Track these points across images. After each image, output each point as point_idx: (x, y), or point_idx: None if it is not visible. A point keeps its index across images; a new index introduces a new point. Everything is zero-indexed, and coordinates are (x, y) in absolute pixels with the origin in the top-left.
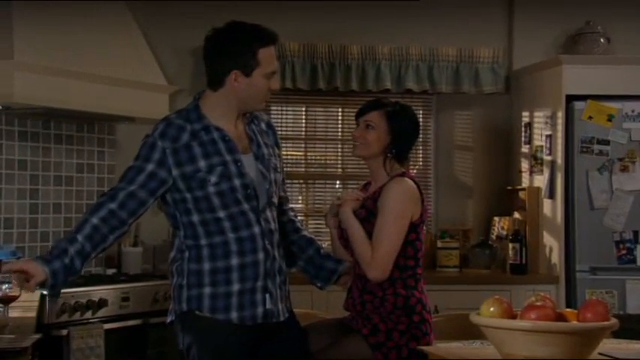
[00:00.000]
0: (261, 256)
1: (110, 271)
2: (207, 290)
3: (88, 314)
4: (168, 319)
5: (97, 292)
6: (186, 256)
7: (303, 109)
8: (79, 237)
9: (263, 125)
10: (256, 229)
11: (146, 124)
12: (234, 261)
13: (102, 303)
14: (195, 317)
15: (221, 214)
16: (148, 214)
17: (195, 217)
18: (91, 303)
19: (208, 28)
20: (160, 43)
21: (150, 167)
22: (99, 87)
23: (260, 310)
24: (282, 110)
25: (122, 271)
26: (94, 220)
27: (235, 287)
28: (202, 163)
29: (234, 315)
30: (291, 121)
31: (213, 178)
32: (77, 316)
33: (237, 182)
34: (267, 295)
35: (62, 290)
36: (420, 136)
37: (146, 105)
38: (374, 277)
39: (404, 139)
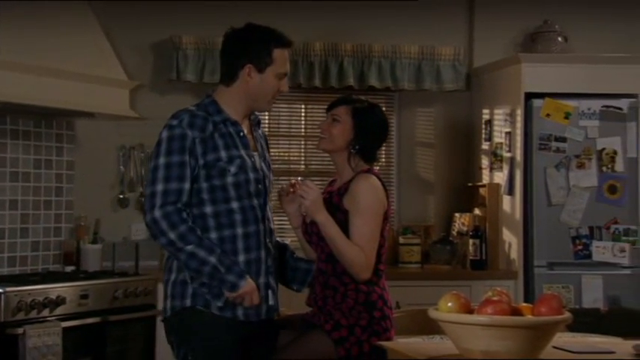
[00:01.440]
0: (263, 253)
1: (69, 269)
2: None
3: (45, 312)
4: (162, 317)
5: (55, 289)
6: None
7: None
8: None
9: (260, 132)
10: (261, 226)
11: (106, 120)
12: (241, 257)
13: (60, 301)
14: (198, 313)
15: (234, 205)
16: (107, 210)
17: (209, 209)
18: (49, 301)
19: (170, 23)
20: (121, 38)
21: (187, 158)
22: (57, 82)
23: (264, 306)
24: None
25: (81, 269)
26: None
27: None
28: (223, 154)
29: (240, 312)
30: None
31: (232, 169)
32: (34, 314)
33: (251, 176)
34: (270, 292)
35: (19, 288)
36: None
37: (106, 100)
38: (364, 278)
39: (368, 136)
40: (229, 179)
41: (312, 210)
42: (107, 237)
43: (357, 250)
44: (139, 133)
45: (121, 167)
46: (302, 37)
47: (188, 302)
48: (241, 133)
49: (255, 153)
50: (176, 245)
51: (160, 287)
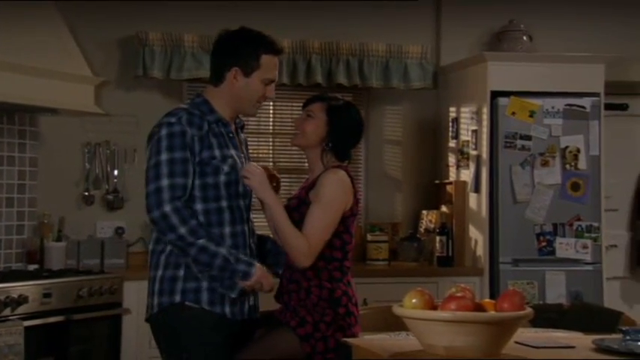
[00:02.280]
0: (247, 252)
1: (32, 267)
2: (204, 284)
3: (7, 311)
4: (148, 313)
5: (17, 288)
6: None
7: None
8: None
9: (242, 136)
10: (246, 227)
11: (70, 116)
12: None
13: (22, 299)
14: (188, 309)
15: (224, 203)
16: (72, 207)
17: (199, 206)
18: (10, 300)
19: (136, 19)
20: (86, 34)
21: (188, 154)
22: (20, 77)
23: (246, 305)
24: None
25: (44, 267)
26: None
27: None
28: (217, 152)
29: (227, 309)
30: None
31: (225, 167)
32: None
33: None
34: (252, 292)
35: None
36: None
37: (70, 96)
38: (305, 266)
39: (342, 134)
40: (222, 178)
41: (260, 190)
42: (72, 235)
43: (301, 237)
44: (104, 129)
45: (87, 164)
46: (270, 34)
47: (177, 298)
48: (231, 134)
49: (242, 155)
50: (187, 240)
51: (127, 285)
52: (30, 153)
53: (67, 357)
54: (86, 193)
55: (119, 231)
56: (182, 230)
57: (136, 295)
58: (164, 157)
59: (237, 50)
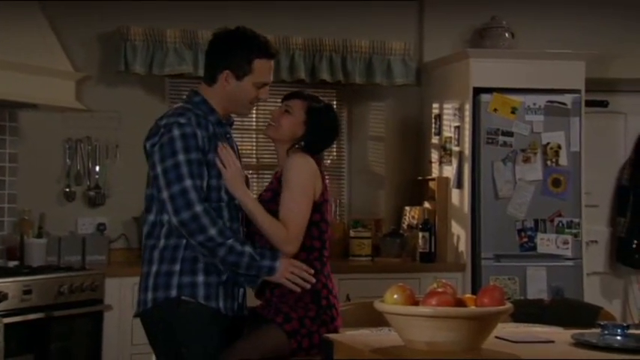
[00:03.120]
0: None
1: (12, 264)
2: (200, 278)
3: None
4: (141, 309)
5: None
6: (183, 243)
7: None
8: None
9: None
10: (240, 226)
11: (50, 112)
12: None
13: (1, 296)
14: (184, 303)
15: (223, 204)
16: (53, 203)
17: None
18: None
19: (118, 14)
20: (67, 29)
21: (201, 155)
22: None
23: (236, 302)
24: None
25: (25, 264)
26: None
27: (224, 277)
28: (215, 156)
29: (221, 304)
30: None
31: None
32: None
33: None
34: (242, 290)
35: None
36: None
37: (50, 92)
38: (290, 252)
39: (317, 136)
40: (224, 180)
41: (231, 184)
42: (53, 231)
43: (277, 224)
44: (86, 125)
45: (68, 160)
46: (253, 29)
47: (174, 293)
48: (228, 135)
49: (235, 154)
50: (216, 241)
51: (108, 282)
52: (10, 149)
53: (48, 354)
54: (67, 190)
55: (100, 227)
56: (212, 231)
57: (117, 292)
58: (182, 158)
59: (230, 53)
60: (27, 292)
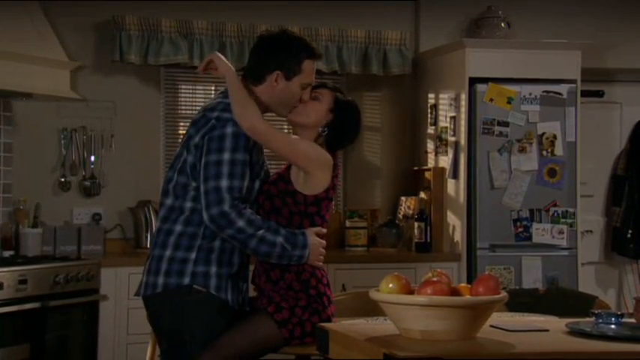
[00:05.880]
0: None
1: (7, 253)
2: (213, 269)
3: None
4: (149, 292)
5: None
6: (201, 232)
7: (213, 88)
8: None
9: None
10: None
11: (45, 101)
12: (237, 255)
13: None
14: (196, 292)
15: (248, 202)
16: (48, 193)
17: None
18: None
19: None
20: (61, 18)
21: (248, 156)
22: None
23: (241, 296)
24: (192, 89)
25: (20, 253)
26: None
27: (234, 269)
28: (259, 157)
29: (230, 297)
30: (202, 100)
31: (262, 173)
32: None
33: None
34: (246, 285)
35: None
36: None
37: (45, 81)
38: (244, 127)
39: (342, 126)
40: (257, 183)
41: (222, 65)
42: (48, 221)
43: (251, 102)
44: (81, 115)
45: (63, 150)
46: (249, 20)
47: (186, 280)
48: None
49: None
50: (247, 232)
51: (104, 272)
52: (4, 138)
53: (44, 344)
54: (62, 179)
55: (96, 217)
56: (240, 223)
57: (113, 282)
58: (226, 156)
59: (282, 54)
60: (22, 281)
